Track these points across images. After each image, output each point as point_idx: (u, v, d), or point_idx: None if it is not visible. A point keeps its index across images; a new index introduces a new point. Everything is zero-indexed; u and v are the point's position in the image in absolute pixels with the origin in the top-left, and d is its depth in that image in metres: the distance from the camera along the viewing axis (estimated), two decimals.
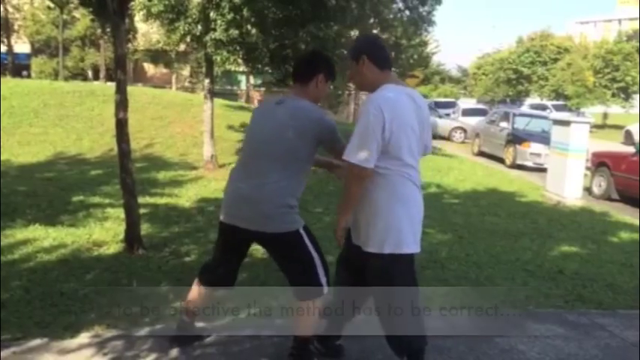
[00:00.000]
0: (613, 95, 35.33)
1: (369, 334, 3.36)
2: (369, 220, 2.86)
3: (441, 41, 66.97)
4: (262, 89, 28.16)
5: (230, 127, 14.17)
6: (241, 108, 18.86)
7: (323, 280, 3.04)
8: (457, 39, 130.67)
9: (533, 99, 41.01)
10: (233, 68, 13.86)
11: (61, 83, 20.20)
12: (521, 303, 4.39)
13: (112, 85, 6.40)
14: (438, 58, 50.51)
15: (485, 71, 47.57)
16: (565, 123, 10.08)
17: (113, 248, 5.17)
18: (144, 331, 3.52)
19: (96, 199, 7.26)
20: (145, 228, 5.62)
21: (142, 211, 5.59)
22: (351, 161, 2.75)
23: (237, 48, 9.90)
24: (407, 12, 19.05)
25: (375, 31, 17.72)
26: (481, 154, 17.37)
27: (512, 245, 6.14)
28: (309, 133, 2.98)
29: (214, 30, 9.67)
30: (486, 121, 18.34)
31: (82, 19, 33.71)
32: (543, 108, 30.33)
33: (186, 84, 35.55)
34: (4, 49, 34.50)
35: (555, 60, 42.42)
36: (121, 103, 5.01)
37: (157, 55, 32.10)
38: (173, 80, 36.87)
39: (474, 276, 4.93)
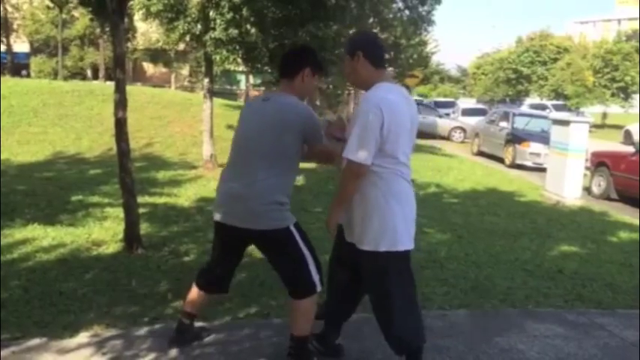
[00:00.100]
0: (612, 95, 35.36)
1: (368, 334, 3.36)
2: (364, 218, 2.86)
3: (441, 41, 66.93)
4: (262, 89, 28.13)
5: (229, 127, 14.16)
6: (241, 107, 18.83)
7: (315, 277, 3.03)
8: (457, 39, 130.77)
9: (533, 99, 41.02)
10: (232, 68, 13.88)
11: (60, 82, 20.21)
12: (520, 302, 4.39)
13: (111, 85, 6.40)
14: (438, 58, 50.61)
15: (485, 71, 47.60)
16: (564, 123, 10.07)
17: (112, 248, 5.17)
18: (143, 331, 3.52)
19: (95, 199, 7.26)
20: (144, 227, 5.62)
21: (141, 210, 5.58)
22: (351, 159, 2.75)
23: (237, 47, 9.90)
24: (406, 11, 19.05)
25: (374, 31, 17.72)
26: (480, 153, 17.38)
27: (511, 245, 6.14)
28: (295, 129, 2.96)
29: (214, 29, 9.67)
30: (486, 121, 18.34)
31: (81, 19, 33.69)
32: (543, 108, 30.35)
33: (186, 83, 35.55)
34: (3, 48, 34.47)
35: (555, 60, 42.43)
36: (120, 103, 5.01)
37: (156, 55, 32.13)
38: (172, 79, 36.87)
39: (473, 275, 4.93)
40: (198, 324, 3.46)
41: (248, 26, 9.55)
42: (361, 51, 2.91)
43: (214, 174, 9.83)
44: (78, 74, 35.07)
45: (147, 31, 28.87)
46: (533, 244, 6.21)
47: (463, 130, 22.53)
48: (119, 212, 5.65)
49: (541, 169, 12.89)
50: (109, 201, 7.01)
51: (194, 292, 3.29)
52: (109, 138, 10.78)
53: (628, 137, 23.03)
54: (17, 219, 6.00)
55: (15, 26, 37.49)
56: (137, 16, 12.22)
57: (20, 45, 38.13)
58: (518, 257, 5.61)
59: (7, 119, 12.75)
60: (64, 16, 31.22)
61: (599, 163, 10.98)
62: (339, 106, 25.88)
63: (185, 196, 7.74)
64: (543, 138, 13.28)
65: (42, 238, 5.35)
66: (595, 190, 10.88)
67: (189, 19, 10.07)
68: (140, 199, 5.82)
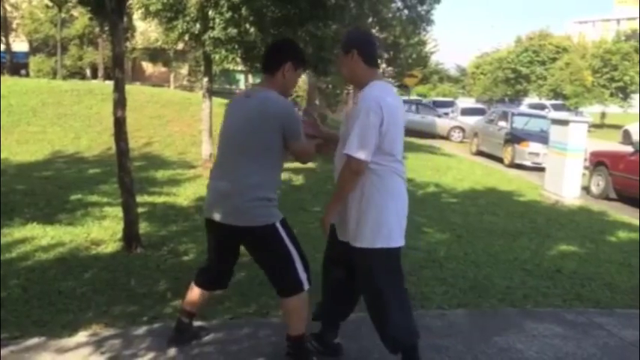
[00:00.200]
0: (611, 95, 35.35)
1: (366, 333, 3.36)
2: (359, 216, 2.87)
3: (440, 40, 67.08)
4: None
5: None
6: None
7: (302, 276, 3.01)
8: (456, 38, 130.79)
9: (532, 98, 41.02)
10: (231, 67, 13.87)
11: (59, 82, 20.18)
12: (519, 302, 4.39)
13: (110, 84, 6.38)
14: (437, 58, 50.51)
15: (484, 70, 47.58)
16: (563, 122, 10.08)
17: (111, 247, 5.17)
18: (142, 330, 3.52)
19: (94, 198, 7.25)
20: (143, 227, 5.62)
21: (140, 209, 5.58)
22: (353, 156, 2.77)
23: (236, 47, 9.89)
24: (405, 11, 19.08)
25: (373, 30, 17.73)
26: (479, 153, 17.39)
27: (510, 244, 6.15)
28: (275, 124, 2.92)
29: (213, 29, 9.66)
30: (485, 121, 18.35)
31: (81, 18, 33.62)
32: (542, 107, 30.35)
33: (185, 83, 35.51)
34: (2, 47, 34.43)
35: (554, 59, 42.40)
36: (120, 102, 5.00)
37: (155, 54, 32.10)
38: (171, 79, 36.84)
39: (472, 275, 4.93)
40: (197, 323, 3.46)
41: (247, 25, 9.54)
42: (356, 49, 2.93)
43: None
44: (77, 73, 35.01)
45: (146, 31, 28.85)
46: (532, 244, 6.21)
47: (462, 129, 22.53)
48: (118, 211, 5.65)
49: (540, 169, 12.90)
50: (108, 200, 7.01)
51: (193, 291, 3.29)
52: (108, 137, 10.78)
53: (627, 137, 23.03)
54: (16, 218, 6.00)
55: (14, 25, 37.44)
56: (136, 16, 12.24)
57: (19, 44, 38.09)
58: (517, 257, 5.61)
59: (6, 118, 12.74)
60: (63, 15, 31.16)
61: (598, 162, 10.99)
62: (338, 105, 25.89)
63: (184, 196, 7.74)
64: (542, 138, 13.28)
65: (41, 237, 5.35)
66: (594, 189, 10.89)
67: (188, 18, 10.05)
68: (139, 199, 5.82)
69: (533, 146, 14.39)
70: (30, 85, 16.13)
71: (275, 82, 3.05)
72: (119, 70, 5.06)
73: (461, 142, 21.80)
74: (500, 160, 15.67)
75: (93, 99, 15.01)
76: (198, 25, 9.98)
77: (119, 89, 5.00)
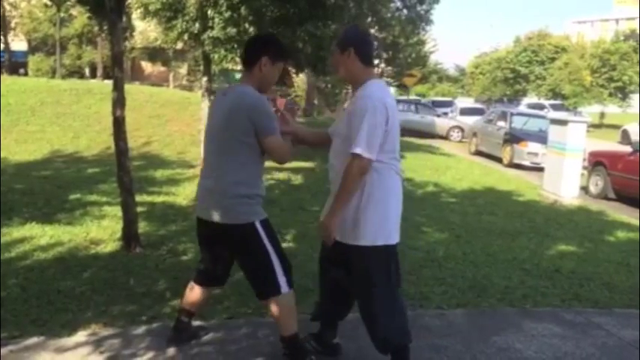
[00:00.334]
0: (610, 95, 35.35)
1: (364, 333, 3.36)
2: (359, 214, 2.86)
3: (439, 40, 67.06)
4: None
5: None
6: None
7: (281, 279, 2.98)
8: (455, 38, 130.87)
9: (531, 98, 41.06)
10: (231, 66, 13.85)
11: (58, 81, 20.18)
12: (518, 302, 4.40)
13: (109, 83, 6.38)
14: (436, 57, 50.56)
15: (483, 70, 47.59)
16: (562, 122, 10.09)
17: (110, 246, 5.17)
18: (141, 330, 3.52)
19: (93, 197, 7.25)
20: (142, 226, 5.62)
21: (139, 209, 5.58)
22: (362, 154, 2.77)
23: (235, 46, 9.89)
24: (405, 11, 19.10)
25: (372, 30, 17.74)
26: (478, 153, 17.38)
27: (509, 244, 6.15)
28: (244, 119, 2.89)
29: (212, 28, 9.66)
30: (484, 121, 18.35)
31: (79, 17, 33.60)
32: (541, 107, 30.39)
33: (184, 82, 35.47)
34: (1, 46, 34.37)
35: (553, 59, 42.42)
36: (119, 101, 5.00)
37: (154, 53, 32.06)
38: (171, 78, 36.81)
39: (471, 275, 4.93)
40: (195, 323, 3.46)
41: (246, 25, 9.54)
42: (353, 47, 2.93)
43: None
44: (76, 73, 34.98)
45: (145, 30, 28.80)
46: (531, 244, 6.22)
47: (461, 129, 22.53)
48: (117, 211, 5.65)
49: (539, 169, 12.91)
50: (107, 200, 7.01)
51: (193, 290, 3.29)
52: (107, 137, 10.77)
53: (625, 137, 23.05)
54: (15, 218, 6.00)
55: (13, 24, 37.39)
56: (135, 15, 12.23)
57: (18, 43, 38.03)
58: (515, 256, 5.62)
59: (4, 118, 12.72)
60: (62, 14, 31.10)
61: (597, 162, 11.00)
62: (337, 105, 25.89)
63: (183, 195, 7.74)
64: (541, 137, 13.28)
65: (40, 236, 5.35)
66: (592, 189, 10.90)
67: (187, 17, 10.06)
68: (138, 198, 5.82)
69: (532, 146, 14.39)
70: (29, 85, 16.11)
71: (253, 77, 3.02)
72: (118, 70, 5.06)
73: (460, 141, 21.80)
74: (499, 159, 15.67)
75: (92, 98, 15.00)
76: (197, 25, 9.98)
77: (118, 88, 5.00)
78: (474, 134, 18.31)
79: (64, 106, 14.34)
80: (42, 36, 35.89)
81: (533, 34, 47.11)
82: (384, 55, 26.71)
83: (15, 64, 34.84)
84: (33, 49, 37.17)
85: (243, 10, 9.37)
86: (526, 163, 14.49)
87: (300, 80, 27.08)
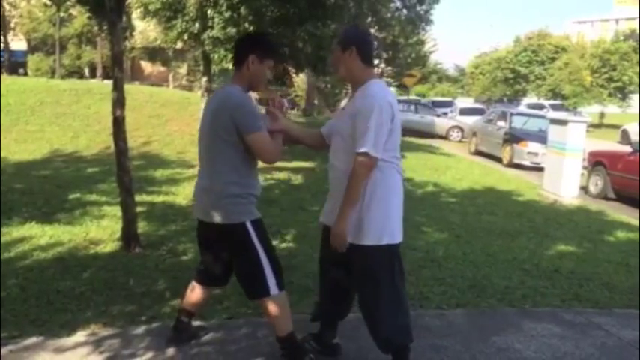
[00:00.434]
0: (610, 95, 35.35)
1: (365, 333, 3.36)
2: (362, 214, 2.85)
3: (439, 40, 67.07)
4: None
5: None
6: None
7: (270, 281, 2.97)
8: (455, 38, 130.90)
9: (531, 98, 41.05)
10: (230, 66, 13.90)
11: (58, 81, 20.17)
12: (517, 301, 4.40)
13: (108, 83, 6.38)
14: (436, 57, 50.61)
15: (483, 70, 47.60)
16: (562, 122, 10.09)
17: (110, 246, 5.17)
18: (140, 330, 3.52)
19: (93, 197, 7.25)
20: (141, 226, 5.62)
21: (138, 209, 5.58)
22: (370, 152, 2.76)
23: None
24: (404, 11, 19.11)
25: (372, 30, 17.73)
26: (478, 153, 17.38)
27: (509, 244, 6.15)
28: (227, 118, 2.88)
29: (212, 28, 9.67)
30: (484, 121, 18.35)
31: (79, 17, 33.63)
32: (540, 107, 30.39)
33: (184, 82, 35.51)
34: (1, 46, 34.37)
35: (552, 59, 42.43)
36: (118, 101, 5.00)
37: (154, 53, 32.09)
38: (170, 78, 36.85)
39: (470, 275, 4.93)
40: (195, 323, 3.46)
41: (246, 25, 9.55)
42: (355, 46, 2.93)
43: None
44: (75, 73, 35.01)
45: (145, 30, 28.82)
46: (531, 244, 6.22)
47: (461, 129, 22.52)
48: (117, 211, 5.65)
49: (538, 169, 12.90)
50: (107, 199, 7.01)
51: (194, 290, 3.29)
52: (107, 136, 10.76)
53: (625, 137, 23.05)
54: (15, 217, 6.00)
55: (12, 24, 37.40)
56: (135, 15, 12.24)
57: (18, 43, 38.05)
58: (515, 256, 5.62)
59: (4, 117, 12.72)
60: (61, 14, 31.11)
61: (597, 162, 11.00)
62: (337, 104, 25.89)
63: (183, 195, 7.73)
64: (541, 137, 13.28)
65: (39, 236, 5.35)
66: (592, 189, 10.90)
67: (187, 17, 10.07)
68: (138, 198, 5.82)
69: (532, 146, 14.38)
70: (28, 84, 16.11)
71: (241, 76, 3.02)
72: (118, 70, 5.06)
73: (460, 141, 21.79)
74: (498, 159, 15.67)
75: (91, 98, 15.00)
76: (197, 25, 9.99)
77: (118, 88, 5.00)
78: (474, 134, 18.31)
79: (64, 106, 14.33)
80: (42, 36, 35.92)
81: (533, 34, 47.13)
82: (384, 55, 26.73)
83: (15, 64, 34.86)
84: (32, 49, 37.21)
85: (243, 10, 9.38)
86: (526, 163, 14.48)
87: (300, 80, 27.10)
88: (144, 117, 13.99)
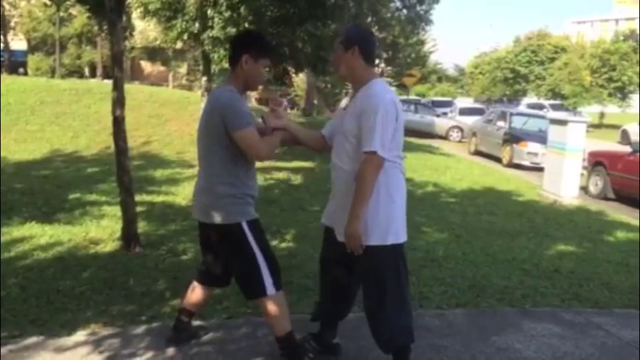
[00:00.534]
0: (610, 95, 35.36)
1: (365, 333, 3.36)
2: (367, 214, 2.83)
3: (439, 40, 67.05)
4: (259, 87, 28.15)
5: None
6: None
7: (267, 281, 2.96)
8: (454, 38, 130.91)
9: (530, 98, 41.06)
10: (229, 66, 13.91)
11: (58, 81, 20.17)
12: (517, 301, 4.40)
13: (108, 83, 6.39)
14: (436, 57, 50.67)
15: (483, 70, 47.60)
16: (562, 122, 10.09)
17: (110, 246, 5.17)
18: (140, 329, 3.52)
19: (92, 197, 7.25)
20: (141, 226, 5.62)
21: (138, 208, 5.58)
22: (378, 152, 2.76)
23: None
24: (404, 11, 19.10)
25: (372, 30, 17.71)
26: (478, 153, 17.38)
27: (508, 244, 6.15)
28: (217, 117, 2.88)
29: (212, 28, 9.67)
30: (483, 121, 18.35)
31: (79, 17, 33.65)
32: (540, 107, 30.38)
33: (184, 82, 35.54)
34: (0, 46, 34.37)
35: (552, 59, 42.44)
36: (118, 101, 5.00)
37: (154, 53, 32.10)
38: (170, 78, 36.86)
39: (470, 275, 4.93)
40: (195, 323, 3.46)
41: (246, 25, 9.55)
42: (357, 46, 2.92)
43: None
44: (75, 72, 35.02)
45: (145, 30, 28.83)
46: (531, 244, 6.22)
47: (460, 129, 22.52)
48: (117, 211, 5.65)
49: (538, 169, 12.91)
50: (107, 199, 7.01)
51: (194, 290, 3.29)
52: (107, 136, 10.76)
53: (625, 137, 23.05)
54: (15, 217, 6.00)
55: (12, 24, 37.39)
56: (135, 15, 12.24)
57: (17, 43, 38.05)
58: (515, 256, 5.62)
59: (4, 117, 12.72)
60: (61, 14, 31.12)
61: (597, 162, 11.00)
62: (337, 105, 25.87)
63: (182, 195, 7.73)
64: (541, 137, 13.28)
65: (39, 236, 5.35)
66: (592, 189, 10.90)
67: (187, 17, 10.07)
68: (138, 198, 5.82)
69: (532, 146, 14.38)
70: (28, 84, 16.11)
71: (236, 76, 3.01)
72: (118, 69, 5.06)
73: (459, 141, 21.79)
74: (498, 159, 15.67)
75: (91, 98, 15.00)
76: (197, 25, 9.99)
77: (118, 88, 4.99)
78: (474, 134, 18.31)
79: (64, 106, 14.33)
80: (41, 35, 35.93)
81: (532, 34, 47.14)
82: (384, 55, 26.73)
83: (14, 64, 34.85)
84: (32, 49, 37.21)
85: (242, 10, 9.38)
86: (526, 163, 14.49)
87: (300, 80, 27.10)
88: (144, 117, 13.99)
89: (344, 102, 3.18)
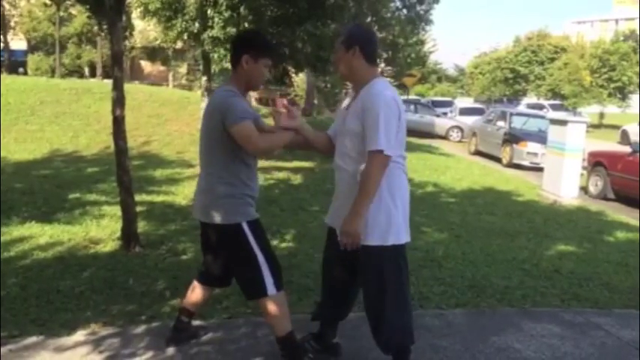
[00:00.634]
0: (609, 95, 35.37)
1: (365, 333, 3.36)
2: (368, 214, 2.82)
3: (439, 40, 67.02)
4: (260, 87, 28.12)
5: None
6: None
7: (268, 280, 2.95)
8: (454, 38, 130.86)
9: (530, 98, 41.08)
10: (230, 66, 13.92)
11: (58, 80, 20.16)
12: (517, 302, 4.40)
13: (108, 83, 6.40)
14: (436, 57, 50.61)
15: (483, 70, 47.58)
16: (562, 122, 10.10)
17: (110, 246, 5.17)
18: (140, 329, 3.52)
19: (92, 197, 7.25)
20: (141, 226, 5.62)
21: (138, 208, 5.57)
22: (384, 150, 2.75)
23: None
24: (404, 11, 19.07)
25: (373, 30, 17.70)
26: (478, 153, 17.39)
27: (508, 244, 6.15)
28: (216, 116, 2.89)
29: (212, 27, 9.67)
30: (483, 121, 18.36)
31: (79, 16, 33.63)
32: (540, 107, 30.40)
33: (184, 81, 35.48)
34: (0, 45, 34.36)
35: (552, 59, 42.44)
36: (118, 101, 5.00)
37: (154, 53, 32.04)
38: (170, 78, 36.82)
39: (470, 275, 4.93)
40: (195, 322, 3.46)
41: (246, 25, 9.55)
42: (358, 45, 2.92)
43: None
44: (75, 72, 34.98)
45: (145, 29, 28.79)
46: (530, 244, 6.22)
47: (460, 129, 22.52)
48: (116, 210, 5.65)
49: (538, 169, 12.91)
50: (107, 199, 7.01)
51: (195, 290, 3.29)
52: (107, 136, 10.76)
53: (625, 137, 23.06)
54: (14, 217, 6.00)
55: (12, 24, 37.39)
56: (135, 14, 12.25)
57: (17, 42, 38.05)
58: (515, 256, 5.62)
59: (4, 117, 12.71)
60: (61, 13, 31.10)
61: (596, 162, 11.01)
62: (337, 104, 25.85)
63: (182, 195, 7.73)
64: (541, 138, 13.29)
65: (39, 236, 5.35)
66: (592, 189, 10.90)
67: (187, 17, 10.07)
68: (137, 198, 5.82)
69: (532, 146, 14.39)
70: (28, 84, 16.11)
71: (238, 76, 3.01)
72: (118, 69, 5.06)
73: (459, 141, 21.79)
74: (498, 160, 15.68)
75: (91, 98, 14.99)
76: (197, 24, 9.99)
77: (118, 88, 4.99)
78: (474, 134, 18.32)
79: (64, 106, 14.33)
80: (41, 35, 35.91)
81: (532, 34, 47.13)
82: (384, 55, 26.68)
83: (14, 63, 34.87)
84: (32, 48, 37.19)
85: (242, 10, 9.39)
86: (525, 163, 14.49)
87: (300, 80, 27.08)
88: (144, 116, 13.99)
89: (345, 102, 3.17)
